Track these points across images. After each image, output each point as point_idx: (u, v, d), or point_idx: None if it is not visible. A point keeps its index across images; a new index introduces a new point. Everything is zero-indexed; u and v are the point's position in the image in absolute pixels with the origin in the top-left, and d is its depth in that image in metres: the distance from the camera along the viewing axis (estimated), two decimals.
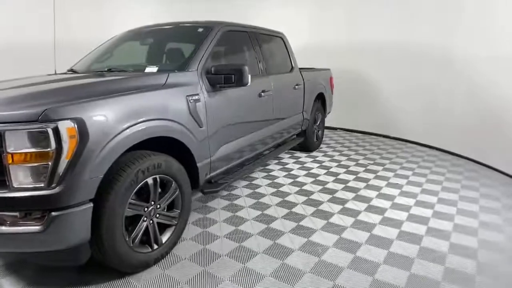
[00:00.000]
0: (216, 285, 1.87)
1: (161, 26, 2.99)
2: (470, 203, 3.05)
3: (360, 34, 5.88)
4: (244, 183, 3.44)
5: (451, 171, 4.01)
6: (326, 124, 6.67)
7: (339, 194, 3.20)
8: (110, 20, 5.21)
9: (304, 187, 3.37)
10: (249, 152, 3.03)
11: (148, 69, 2.36)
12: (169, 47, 2.77)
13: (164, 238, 2.10)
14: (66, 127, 1.53)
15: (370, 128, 6.18)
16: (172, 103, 2.06)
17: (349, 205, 2.96)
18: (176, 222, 2.17)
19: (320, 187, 3.38)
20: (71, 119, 1.56)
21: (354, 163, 4.31)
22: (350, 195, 3.19)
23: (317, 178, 3.66)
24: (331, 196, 3.16)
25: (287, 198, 3.07)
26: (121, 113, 1.75)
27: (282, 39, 3.97)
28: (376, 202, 3.02)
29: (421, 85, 5.20)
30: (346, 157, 4.58)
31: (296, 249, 2.22)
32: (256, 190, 3.23)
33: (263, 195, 3.12)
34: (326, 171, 3.94)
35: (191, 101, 2.19)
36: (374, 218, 2.70)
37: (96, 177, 1.64)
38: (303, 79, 4.18)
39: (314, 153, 4.75)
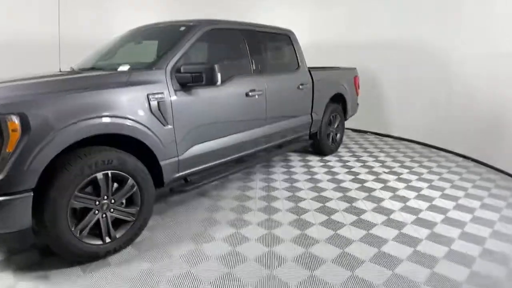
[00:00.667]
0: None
1: (155, 25, 3.07)
2: None
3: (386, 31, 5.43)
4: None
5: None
6: (356, 127, 6.30)
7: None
8: (121, 18, 5.25)
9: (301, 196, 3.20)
10: (234, 153, 2.95)
11: (121, 68, 2.44)
12: (149, 46, 2.82)
13: (119, 233, 2.15)
14: (8, 121, 1.65)
15: (404, 133, 5.63)
16: (128, 102, 2.09)
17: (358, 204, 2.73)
18: (134, 219, 2.21)
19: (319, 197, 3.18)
20: (14, 114, 1.67)
21: (367, 170, 3.96)
22: (367, 203, 2.93)
23: (317, 185, 3.44)
24: (348, 205, 2.94)
25: (300, 205, 2.94)
26: (66, 110, 1.82)
27: (289, 37, 3.80)
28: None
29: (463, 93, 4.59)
30: (361, 164, 4.23)
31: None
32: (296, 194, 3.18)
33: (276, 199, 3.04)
34: (331, 177, 3.68)
35: (152, 99, 2.20)
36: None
37: (37, 169, 1.74)
38: (312, 79, 3.96)
39: (327, 157, 4.48)
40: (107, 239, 2.09)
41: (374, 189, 3.34)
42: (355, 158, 4.48)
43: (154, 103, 2.20)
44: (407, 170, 3.96)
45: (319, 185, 3.42)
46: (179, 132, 2.39)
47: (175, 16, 3.36)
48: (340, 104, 4.77)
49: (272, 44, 3.64)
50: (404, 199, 3.09)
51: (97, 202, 2.02)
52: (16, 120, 1.67)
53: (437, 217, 2.74)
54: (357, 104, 5.29)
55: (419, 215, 2.77)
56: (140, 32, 3.09)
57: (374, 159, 4.46)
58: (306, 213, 2.78)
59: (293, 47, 3.81)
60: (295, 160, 4.35)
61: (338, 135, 4.78)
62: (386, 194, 3.21)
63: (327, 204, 2.97)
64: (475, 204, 3.02)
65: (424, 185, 3.48)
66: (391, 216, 2.74)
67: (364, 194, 3.21)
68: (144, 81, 2.21)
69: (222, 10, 5.46)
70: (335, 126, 4.65)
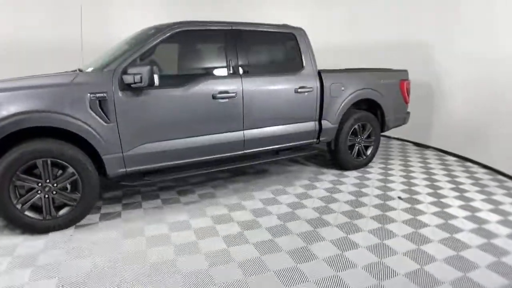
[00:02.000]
0: None
1: (151, 27, 3.26)
2: None
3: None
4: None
5: None
6: (415, 139, 5.26)
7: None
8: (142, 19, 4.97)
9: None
10: (197, 155, 2.93)
11: (89, 69, 2.75)
12: (122, 48, 3.00)
13: (62, 212, 2.48)
14: None
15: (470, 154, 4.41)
16: (68, 99, 2.36)
17: None
18: (74, 204, 2.49)
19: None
20: None
21: (378, 200, 3.30)
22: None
23: (294, 211, 3.08)
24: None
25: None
26: (6, 105, 2.21)
27: (295, 36, 3.47)
28: None
29: None
30: (383, 184, 3.54)
31: None
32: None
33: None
34: (322, 205, 3.24)
35: (92, 98, 2.42)
36: None
37: None
38: (321, 82, 3.53)
39: (346, 173, 3.92)
40: (48, 217, 2.43)
41: (358, 246, 2.77)
42: (382, 176, 3.78)
43: (93, 101, 2.43)
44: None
45: (297, 211, 2.95)
46: (123, 129, 2.56)
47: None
48: (373, 112, 4.10)
49: (266, 44, 3.42)
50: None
51: (40, 184, 2.38)
52: None
53: None
54: (407, 112, 4.44)
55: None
56: (134, 34, 3.32)
57: (405, 186, 3.66)
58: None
59: (299, 47, 3.48)
60: (305, 171, 3.98)
61: (371, 149, 4.10)
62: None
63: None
64: None
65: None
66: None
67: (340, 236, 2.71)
68: (87, 81, 2.46)
69: (228, 11, 5.27)
70: (363, 137, 4.02)
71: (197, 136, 2.89)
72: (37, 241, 2.36)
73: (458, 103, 4.57)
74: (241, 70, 3.09)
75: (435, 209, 2.95)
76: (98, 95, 2.44)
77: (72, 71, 3.09)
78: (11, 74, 2.98)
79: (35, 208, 2.42)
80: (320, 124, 3.62)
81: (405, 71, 4.35)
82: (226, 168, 3.19)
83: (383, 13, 5.50)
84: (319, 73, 3.57)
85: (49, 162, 2.36)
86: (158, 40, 2.73)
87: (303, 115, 3.48)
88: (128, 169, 2.67)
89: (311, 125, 3.56)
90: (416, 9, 4.99)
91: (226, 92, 2.94)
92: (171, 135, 2.78)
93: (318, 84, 3.52)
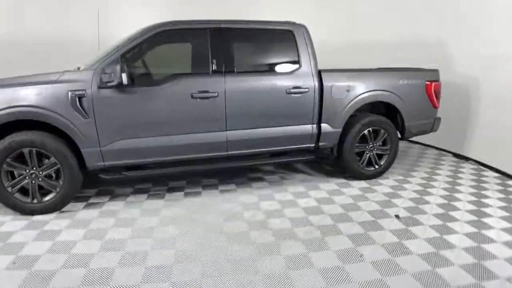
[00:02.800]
0: None
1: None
2: None
3: None
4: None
5: None
6: (458, 151, 4.53)
7: None
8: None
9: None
10: (175, 154, 2.94)
11: (81, 68, 2.96)
12: (109, 48, 3.09)
13: (47, 198, 2.74)
14: None
15: None
16: (51, 96, 2.58)
17: None
18: (58, 190, 2.73)
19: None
20: None
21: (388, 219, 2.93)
22: None
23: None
24: None
25: None
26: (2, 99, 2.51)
27: (292, 33, 3.25)
28: None
29: None
30: (387, 199, 3.13)
31: None
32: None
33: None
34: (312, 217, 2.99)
35: (72, 95, 2.60)
36: None
37: None
38: (320, 82, 3.25)
39: (353, 182, 3.56)
40: (34, 200, 2.71)
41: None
42: (385, 197, 3.34)
43: (73, 98, 2.61)
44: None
45: (269, 220, 2.82)
46: (100, 125, 2.70)
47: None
48: (393, 116, 3.65)
49: (258, 42, 3.26)
50: None
51: (27, 170, 2.66)
52: None
53: None
54: (436, 118, 3.85)
55: None
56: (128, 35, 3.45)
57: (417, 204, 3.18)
58: None
59: (296, 45, 3.25)
60: (306, 180, 3.73)
61: (385, 158, 3.66)
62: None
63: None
64: None
65: None
66: None
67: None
68: (70, 79, 2.64)
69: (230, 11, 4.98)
70: (376, 144, 3.60)
71: (174, 135, 2.91)
72: (21, 221, 2.64)
73: (505, 109, 3.79)
74: (225, 70, 3.01)
75: (432, 234, 2.49)
76: (77, 92, 2.62)
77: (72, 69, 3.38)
78: (11, 74, 3.39)
79: (25, 192, 2.71)
80: (319, 127, 3.35)
81: (435, 71, 3.77)
82: (210, 168, 3.16)
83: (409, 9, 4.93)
84: (320, 72, 3.29)
85: (34, 151, 2.62)
86: (141, 40, 2.82)
87: (297, 117, 3.25)
88: (106, 163, 2.81)
89: (307, 128, 3.31)
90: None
91: (206, 91, 2.90)
92: (147, 133, 2.84)
93: (316, 85, 3.25)
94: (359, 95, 3.41)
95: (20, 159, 2.64)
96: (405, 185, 3.47)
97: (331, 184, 3.50)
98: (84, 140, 2.70)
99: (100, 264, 2.08)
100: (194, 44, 3.12)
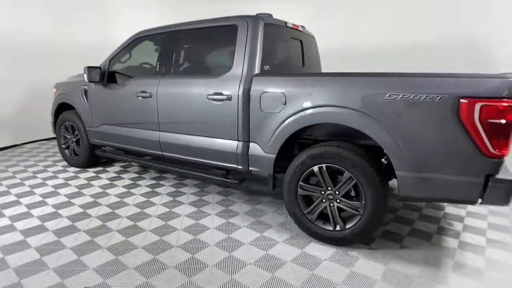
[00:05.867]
0: None
1: None
2: None
3: None
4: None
5: None
6: None
7: None
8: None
9: None
10: (135, 145, 3.30)
11: None
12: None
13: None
14: None
15: None
16: (76, 90, 3.76)
17: None
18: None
19: None
20: None
21: None
22: None
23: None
24: None
25: None
26: None
27: (236, 29, 2.62)
28: None
29: None
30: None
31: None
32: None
33: None
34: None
35: (82, 89, 3.66)
36: None
37: None
38: (250, 89, 2.48)
39: (282, 246, 2.47)
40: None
41: None
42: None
43: (82, 91, 3.66)
44: None
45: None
46: (93, 112, 3.61)
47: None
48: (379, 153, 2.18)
49: (201, 42, 2.86)
50: None
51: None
52: None
53: None
54: (489, 176, 1.87)
55: None
56: None
57: None
58: None
59: (235, 42, 2.62)
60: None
61: (357, 219, 2.23)
62: None
63: None
64: None
65: None
66: None
67: None
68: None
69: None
70: (339, 193, 2.27)
71: (129, 127, 3.32)
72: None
73: None
74: (164, 71, 3.03)
75: None
76: (84, 87, 3.67)
77: None
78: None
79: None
80: (247, 146, 2.60)
81: (491, 78, 1.77)
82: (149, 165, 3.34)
83: None
84: (253, 77, 2.52)
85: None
86: (123, 47, 3.42)
87: (219, 128, 2.70)
88: (95, 141, 3.71)
89: (230, 145, 2.66)
90: None
91: (144, 91, 3.08)
92: (116, 122, 3.43)
93: (240, 92, 2.52)
94: (300, 111, 2.28)
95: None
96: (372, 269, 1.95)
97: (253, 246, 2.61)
98: (87, 121, 3.73)
99: None
100: (153, 49, 3.31)
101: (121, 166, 4.11)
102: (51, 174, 3.80)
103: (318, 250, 2.30)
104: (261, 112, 2.46)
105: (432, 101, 1.87)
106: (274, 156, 2.47)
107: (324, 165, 2.26)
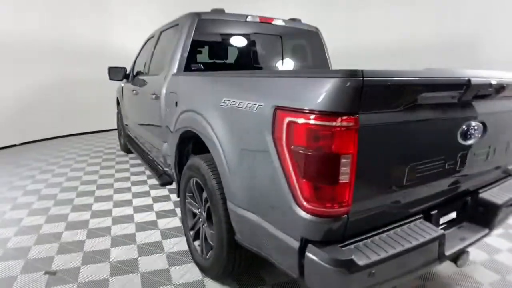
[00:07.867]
0: None
1: None
2: None
3: None
4: None
5: None
6: None
7: None
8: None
9: None
10: (140, 134, 3.53)
11: None
12: None
13: None
14: None
15: None
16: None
17: None
18: None
19: None
20: None
21: None
22: None
23: None
24: None
25: None
26: None
27: (181, 27, 2.52)
28: None
29: None
30: None
31: None
32: None
33: None
34: None
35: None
36: None
37: None
38: (164, 85, 2.38)
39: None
40: None
41: None
42: None
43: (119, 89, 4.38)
44: None
45: None
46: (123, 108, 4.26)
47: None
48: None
49: (168, 40, 2.85)
50: None
51: None
52: None
53: None
54: (311, 240, 1.23)
55: None
56: None
57: None
58: None
59: (177, 40, 2.53)
60: None
61: (213, 250, 1.82)
62: None
63: None
64: None
65: None
66: None
67: None
68: None
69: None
70: (204, 213, 1.92)
71: (134, 120, 3.68)
72: None
73: None
74: (148, 70, 3.19)
75: None
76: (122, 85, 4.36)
77: None
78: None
79: None
80: (165, 148, 2.52)
81: (306, 76, 1.14)
82: None
83: None
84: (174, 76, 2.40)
85: None
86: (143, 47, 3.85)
87: (154, 128, 2.72)
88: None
89: (159, 144, 2.62)
90: None
91: (134, 89, 3.42)
92: (130, 114, 3.91)
93: (164, 91, 2.45)
94: (182, 113, 2.04)
95: None
96: None
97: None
98: (124, 115, 4.44)
99: None
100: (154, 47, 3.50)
101: None
102: None
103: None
104: (167, 111, 2.34)
105: (251, 111, 1.33)
106: (174, 159, 2.28)
107: (195, 179, 1.95)
